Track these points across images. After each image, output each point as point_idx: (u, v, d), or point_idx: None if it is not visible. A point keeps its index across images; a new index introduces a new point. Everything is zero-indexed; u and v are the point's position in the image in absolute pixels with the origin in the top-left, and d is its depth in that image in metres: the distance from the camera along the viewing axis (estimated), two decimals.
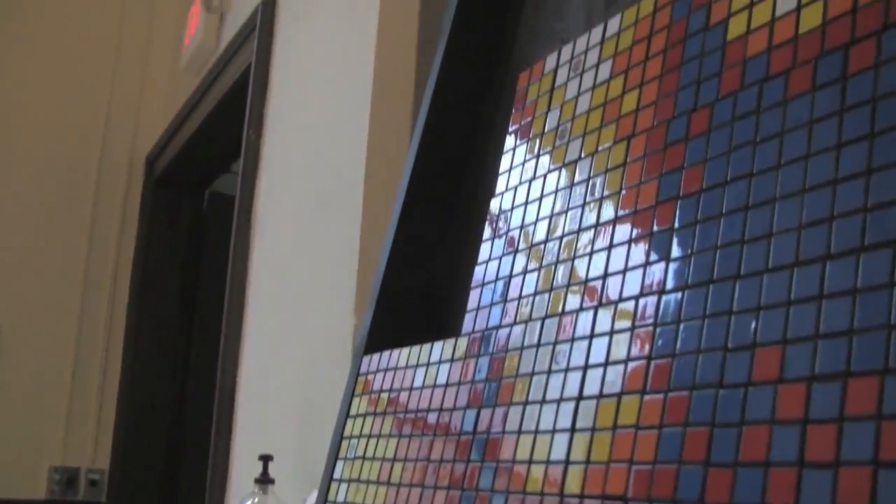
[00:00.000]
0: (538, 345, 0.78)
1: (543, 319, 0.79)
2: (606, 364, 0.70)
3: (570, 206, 0.82)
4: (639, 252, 0.72)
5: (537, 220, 0.86)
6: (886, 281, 0.52)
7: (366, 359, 1.06)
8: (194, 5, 3.09)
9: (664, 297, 0.67)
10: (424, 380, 0.92)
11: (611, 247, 0.75)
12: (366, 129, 1.64)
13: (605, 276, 0.74)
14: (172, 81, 3.50)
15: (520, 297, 0.83)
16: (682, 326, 0.64)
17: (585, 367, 0.72)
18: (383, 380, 1.00)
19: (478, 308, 0.89)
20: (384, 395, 0.99)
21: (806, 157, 0.60)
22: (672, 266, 0.68)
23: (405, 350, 0.98)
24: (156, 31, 3.61)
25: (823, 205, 0.58)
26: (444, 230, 1.05)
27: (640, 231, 0.72)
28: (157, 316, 3.34)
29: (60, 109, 3.40)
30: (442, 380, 0.89)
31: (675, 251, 0.68)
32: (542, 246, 0.84)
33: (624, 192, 0.76)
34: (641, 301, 0.69)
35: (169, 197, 3.46)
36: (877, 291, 0.52)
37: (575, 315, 0.75)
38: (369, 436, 0.98)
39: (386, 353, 1.01)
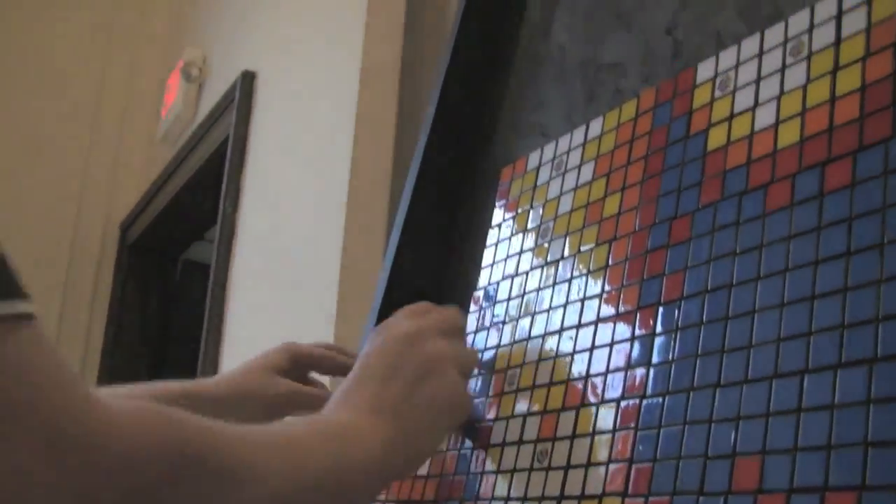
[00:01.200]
0: (520, 441, 0.79)
1: (525, 416, 0.80)
2: (588, 465, 0.71)
3: (552, 305, 0.84)
4: (621, 355, 0.73)
5: (520, 316, 0.88)
6: (863, 398, 0.53)
7: None
8: (173, 75, 3.11)
9: (645, 402, 0.69)
10: None
11: (592, 348, 0.76)
12: (343, 210, 1.65)
13: (588, 376, 0.75)
14: (149, 150, 3.51)
15: (502, 393, 0.85)
16: (662, 432, 0.66)
17: (567, 467, 0.73)
18: None
19: None
20: None
21: (784, 271, 0.62)
22: (653, 371, 0.69)
23: None
24: (134, 99, 3.63)
25: (802, 319, 0.60)
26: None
27: (622, 334, 0.74)
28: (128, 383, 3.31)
29: (36, 174, 3.40)
30: (423, 471, 0.89)
31: (657, 356, 0.69)
32: (525, 343, 0.85)
33: (606, 294, 0.78)
34: (623, 403, 0.71)
35: (142, 264, 3.46)
36: (853, 407, 0.54)
37: (557, 414, 0.76)
38: None
39: None
